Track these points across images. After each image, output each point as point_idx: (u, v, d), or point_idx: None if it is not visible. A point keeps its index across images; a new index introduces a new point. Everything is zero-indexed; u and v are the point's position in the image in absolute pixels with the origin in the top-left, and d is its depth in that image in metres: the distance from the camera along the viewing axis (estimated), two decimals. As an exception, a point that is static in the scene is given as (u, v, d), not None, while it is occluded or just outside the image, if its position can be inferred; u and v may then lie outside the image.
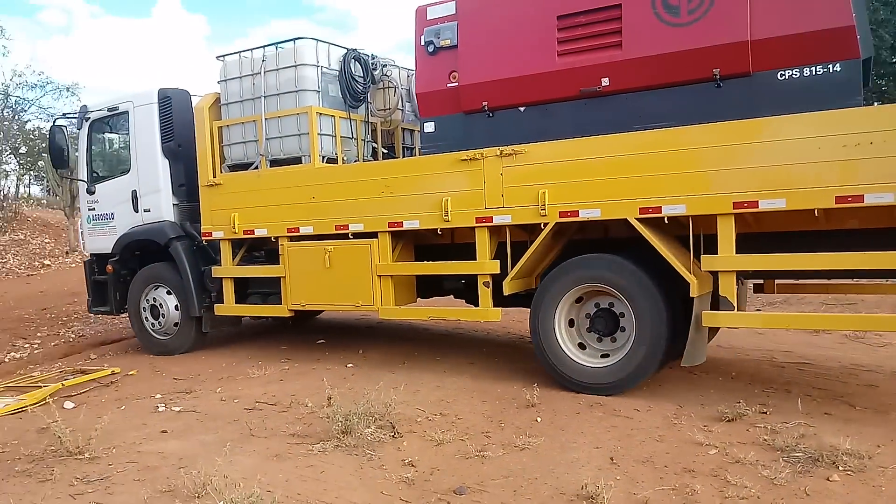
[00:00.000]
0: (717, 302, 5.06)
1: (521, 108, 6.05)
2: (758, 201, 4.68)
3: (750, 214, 4.87)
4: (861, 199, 4.40)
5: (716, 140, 4.83)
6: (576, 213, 5.35)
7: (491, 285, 5.86)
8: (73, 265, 17.32)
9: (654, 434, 4.50)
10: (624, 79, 5.52)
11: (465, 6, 6.19)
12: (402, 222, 6.18)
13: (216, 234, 7.35)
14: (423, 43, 6.37)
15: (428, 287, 7.02)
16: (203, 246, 7.63)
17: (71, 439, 4.60)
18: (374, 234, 6.37)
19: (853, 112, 4.53)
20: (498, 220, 5.70)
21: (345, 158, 6.96)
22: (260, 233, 7.04)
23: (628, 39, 5.47)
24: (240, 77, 7.15)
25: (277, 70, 6.89)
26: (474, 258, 5.92)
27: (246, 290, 7.54)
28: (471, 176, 5.79)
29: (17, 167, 25.83)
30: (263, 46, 7.03)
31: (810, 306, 8.83)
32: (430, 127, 6.51)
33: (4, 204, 21.29)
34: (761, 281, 6.33)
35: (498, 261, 5.81)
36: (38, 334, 9.98)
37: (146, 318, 8.04)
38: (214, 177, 7.32)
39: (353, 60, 6.96)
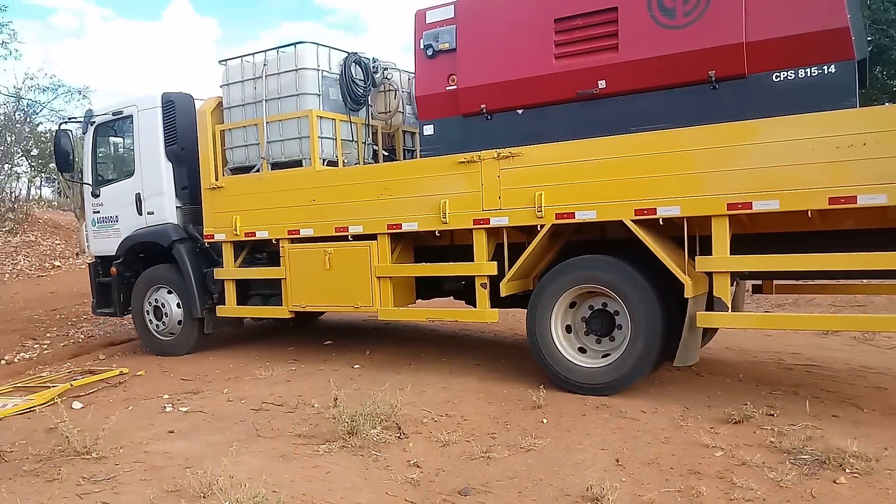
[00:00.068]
0: (712, 302, 5.07)
1: (519, 111, 6.10)
2: (752, 202, 4.70)
3: (745, 215, 4.89)
4: (854, 200, 4.41)
5: (710, 142, 4.85)
6: (572, 215, 5.38)
7: (488, 287, 5.90)
8: (84, 266, 17.37)
9: (661, 436, 4.49)
10: (620, 81, 5.55)
11: (464, 10, 6.24)
12: (400, 224, 6.23)
13: (218, 237, 7.42)
14: (422, 46, 6.44)
15: (428, 288, 7.06)
16: (205, 248, 7.69)
17: (78, 439, 4.64)
18: (373, 236, 6.42)
19: (845, 114, 4.54)
20: (495, 221, 5.73)
21: (345, 161, 7.02)
22: (261, 235, 7.10)
23: (624, 42, 5.50)
24: (242, 81, 7.22)
25: (279, 74, 6.96)
26: (473, 260, 5.95)
27: (247, 291, 7.60)
28: (468, 178, 5.83)
29: (29, 169, 26.12)
30: (265, 51, 7.10)
31: (819, 308, 8.83)
32: (429, 129, 6.57)
33: (16, 205, 21.49)
34: (760, 282, 6.34)
35: (495, 262, 5.85)
36: (48, 335, 10.07)
37: (149, 319, 8.12)
38: (217, 180, 7.39)
39: (353, 64, 7.02)
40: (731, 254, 4.87)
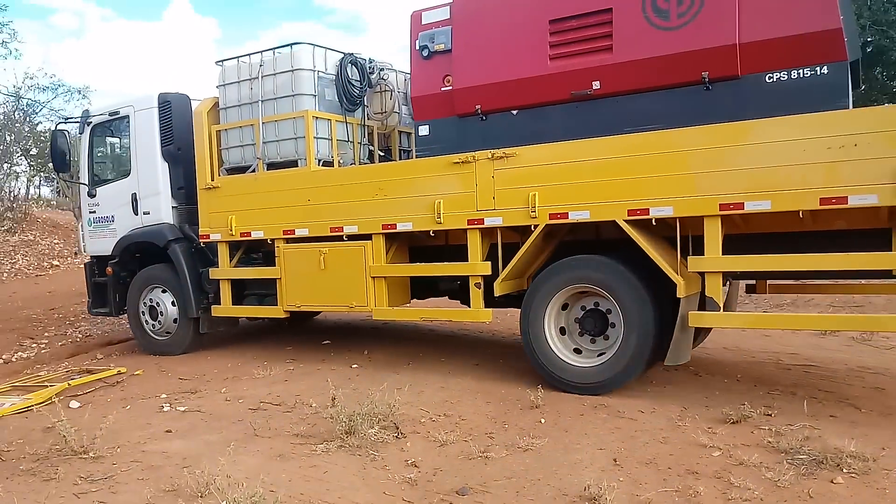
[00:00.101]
0: (705, 302, 5.08)
1: (514, 112, 6.12)
2: (744, 203, 4.72)
3: (737, 216, 4.91)
4: (845, 200, 4.43)
5: (702, 142, 4.87)
6: (565, 215, 5.39)
7: (482, 286, 5.91)
8: (82, 266, 17.36)
9: (658, 436, 4.50)
10: (614, 82, 5.57)
11: (459, 11, 6.26)
12: (395, 224, 6.24)
13: (214, 237, 7.43)
14: (417, 47, 6.46)
15: (424, 288, 7.07)
16: (201, 248, 7.69)
17: (76, 438, 4.64)
18: (368, 237, 6.43)
19: (837, 115, 4.57)
20: (489, 222, 5.75)
21: (341, 161, 7.03)
22: (256, 235, 7.11)
23: (619, 43, 5.52)
24: (238, 82, 7.23)
25: (275, 75, 6.97)
26: (467, 260, 5.96)
27: (243, 291, 7.61)
28: (463, 179, 5.84)
29: (28, 168, 26.08)
30: (261, 51, 7.12)
31: (818, 308, 8.83)
32: (424, 130, 6.59)
33: (15, 205, 21.43)
34: (754, 282, 6.36)
35: (489, 262, 5.87)
36: (46, 334, 10.05)
37: (145, 319, 8.12)
38: (212, 180, 7.40)
39: (349, 65, 7.04)
40: (723, 254, 4.89)
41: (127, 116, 8.09)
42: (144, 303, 8.11)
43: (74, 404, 6.02)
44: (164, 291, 7.98)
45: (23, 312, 11.77)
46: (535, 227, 5.54)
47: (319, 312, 9.31)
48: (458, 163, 5.84)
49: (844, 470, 3.77)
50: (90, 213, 8.51)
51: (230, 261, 7.48)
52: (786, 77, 5.02)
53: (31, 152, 24.32)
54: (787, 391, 5.38)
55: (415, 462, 4.22)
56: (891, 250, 4.71)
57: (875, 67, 16.60)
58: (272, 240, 7.05)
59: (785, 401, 5.10)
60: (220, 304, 7.54)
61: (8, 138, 22.04)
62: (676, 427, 4.64)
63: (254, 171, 7.20)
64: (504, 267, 5.76)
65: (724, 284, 5.18)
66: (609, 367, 5.33)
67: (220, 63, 7.44)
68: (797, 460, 3.93)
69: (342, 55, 7.09)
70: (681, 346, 5.08)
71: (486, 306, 5.98)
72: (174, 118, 7.83)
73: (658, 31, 5.34)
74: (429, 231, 6.12)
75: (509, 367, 6.43)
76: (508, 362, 6.62)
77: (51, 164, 8.84)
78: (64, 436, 4.65)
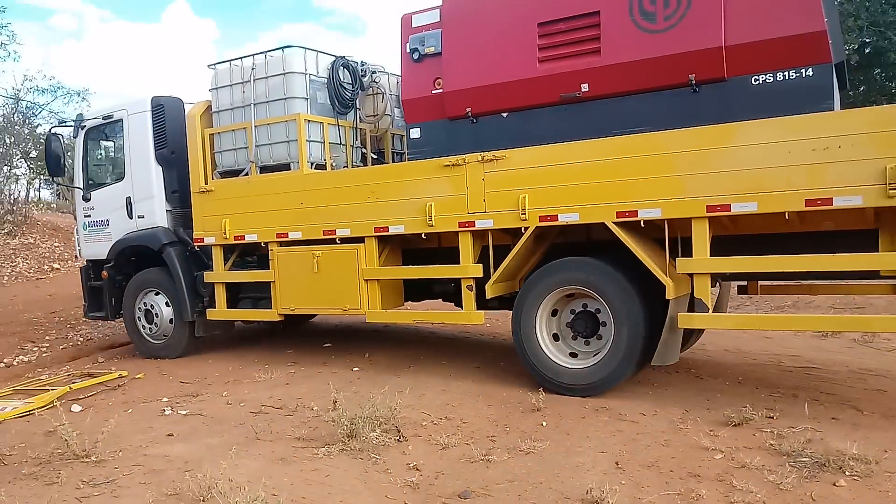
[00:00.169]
0: (694, 303, 5.12)
1: (504, 114, 6.15)
2: (730, 205, 4.75)
3: (726, 217, 4.94)
4: (830, 201, 4.46)
5: (689, 145, 4.90)
6: (555, 218, 5.43)
7: (474, 289, 5.95)
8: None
9: (660, 438, 4.49)
10: (603, 84, 5.61)
11: (449, 14, 6.29)
12: (387, 227, 6.28)
13: (208, 240, 7.46)
14: (408, 50, 6.49)
15: (418, 291, 7.10)
16: (196, 251, 7.73)
17: (78, 442, 4.64)
18: (360, 239, 6.46)
19: (821, 117, 4.61)
20: (480, 224, 5.78)
21: (334, 164, 7.06)
22: (250, 238, 7.14)
23: (607, 46, 5.56)
24: (230, 85, 7.26)
25: (266, 78, 7.00)
26: (459, 262, 6.00)
27: (238, 294, 7.64)
28: (453, 181, 5.87)
29: (28, 171, 26.07)
30: (253, 55, 7.15)
31: (819, 310, 8.81)
32: (415, 133, 6.62)
33: (15, 208, 21.37)
34: (745, 283, 6.39)
35: (481, 265, 5.90)
36: (47, 337, 10.07)
37: (141, 322, 8.16)
38: (206, 183, 7.43)
39: (341, 68, 7.07)
40: (712, 255, 4.93)
41: (121, 120, 8.12)
42: (140, 307, 8.14)
43: (76, 408, 6.03)
44: (159, 295, 8.01)
45: (24, 316, 11.78)
46: (526, 229, 5.57)
47: (314, 315, 9.36)
48: (448, 165, 5.88)
49: (847, 472, 3.77)
50: (85, 217, 8.54)
51: (224, 264, 7.51)
52: (771, 79, 5.06)
53: (30, 155, 24.31)
54: (788, 393, 5.36)
55: (416, 465, 4.23)
56: (878, 251, 4.76)
57: (873, 68, 16.60)
58: (266, 243, 7.07)
59: (787, 403, 5.09)
60: (215, 307, 7.58)
61: (7, 141, 22.04)
62: (678, 430, 4.64)
63: (247, 174, 7.23)
64: (495, 269, 5.79)
65: (713, 286, 5.23)
66: (599, 369, 5.37)
67: (213, 67, 7.47)
68: (799, 463, 3.93)
69: (334, 58, 7.12)
70: (669, 346, 5.12)
71: (478, 308, 6.02)
72: (167, 122, 7.86)
73: (645, 33, 5.38)
74: (421, 234, 6.16)
75: (510, 369, 6.42)
76: (509, 365, 6.62)
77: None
78: (66, 440, 4.65)
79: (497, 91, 6.05)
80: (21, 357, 8.94)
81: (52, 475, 4.34)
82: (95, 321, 10.16)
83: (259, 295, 7.35)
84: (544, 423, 4.88)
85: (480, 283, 5.91)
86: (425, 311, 7.09)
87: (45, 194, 31.94)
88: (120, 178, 8.21)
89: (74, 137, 8.61)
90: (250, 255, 7.77)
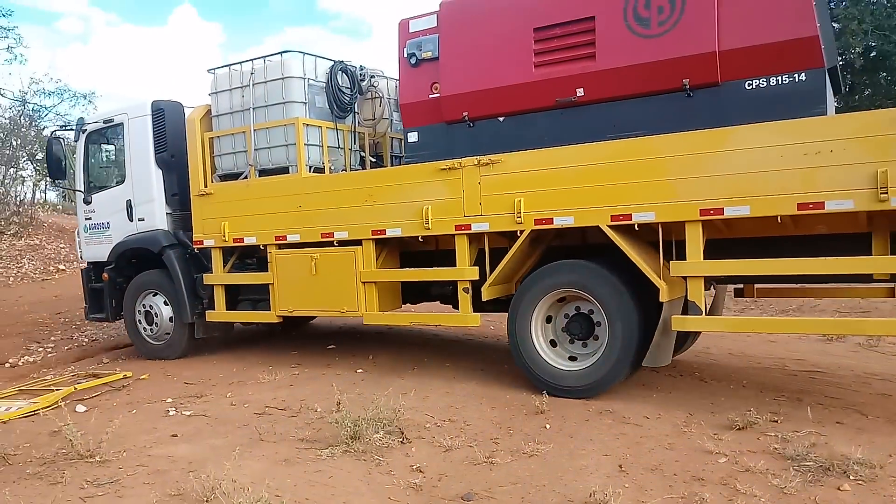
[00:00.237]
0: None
1: (501, 118, 6.20)
2: (723, 208, 4.79)
3: (720, 221, 4.98)
4: (822, 205, 4.50)
5: (682, 149, 4.94)
6: (550, 221, 5.47)
7: (471, 291, 5.99)
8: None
9: (664, 442, 4.49)
10: (598, 89, 5.65)
11: (446, 19, 6.34)
12: (384, 230, 6.32)
13: (207, 243, 7.51)
14: (405, 55, 6.54)
15: (417, 293, 7.15)
16: (195, 254, 7.77)
17: (82, 442, 4.66)
18: (358, 242, 6.51)
19: (813, 121, 4.64)
20: (476, 227, 5.82)
21: (332, 168, 7.11)
22: (249, 241, 7.19)
23: (602, 51, 5.60)
24: (230, 89, 7.32)
25: (265, 82, 7.05)
26: (456, 265, 6.04)
27: (237, 296, 7.69)
28: (450, 185, 5.92)
29: (34, 173, 26.18)
30: (252, 59, 7.20)
31: (825, 313, 8.81)
32: (413, 137, 6.67)
33: (21, 209, 21.48)
34: (741, 286, 6.41)
35: (477, 267, 5.94)
36: (52, 338, 10.13)
37: (141, 324, 8.21)
38: (206, 186, 7.49)
39: (339, 72, 7.12)
40: (706, 258, 4.96)
41: (121, 124, 8.18)
42: (141, 307, 8.20)
43: (80, 408, 6.06)
44: (158, 296, 8.07)
45: (29, 316, 11.85)
46: (521, 232, 5.62)
47: (314, 318, 9.40)
48: (445, 169, 5.92)
49: (851, 477, 3.76)
50: (86, 219, 8.60)
51: (224, 266, 7.57)
52: (765, 84, 5.10)
53: (36, 157, 24.39)
54: (793, 397, 5.35)
55: (420, 467, 4.24)
56: (871, 255, 4.79)
57: (879, 72, 16.62)
58: (264, 245, 7.12)
59: (791, 407, 5.08)
60: (214, 309, 7.63)
61: (14, 143, 22.14)
62: (682, 433, 4.64)
63: (246, 177, 7.29)
64: (492, 272, 5.83)
65: (708, 289, 5.26)
66: (594, 371, 5.40)
67: (213, 71, 7.53)
68: (804, 467, 3.92)
69: (332, 63, 7.18)
70: (661, 348, 5.15)
71: (475, 311, 6.05)
72: (168, 125, 7.92)
73: (639, 38, 5.42)
74: (418, 237, 6.20)
75: (514, 372, 6.38)
76: (513, 368, 6.54)
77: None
78: (70, 440, 4.68)
79: (493, 95, 6.09)
80: (26, 357, 9.01)
81: (57, 475, 4.36)
82: (99, 322, 10.23)
83: (258, 297, 7.39)
84: (548, 426, 4.88)
85: (477, 286, 5.95)
86: (422, 313, 7.11)
87: (51, 196, 32.06)
88: (120, 181, 8.27)
89: (76, 141, 8.67)
90: (249, 257, 7.82)
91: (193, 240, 7.64)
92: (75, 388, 6.68)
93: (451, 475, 4.13)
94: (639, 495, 3.73)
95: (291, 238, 6.90)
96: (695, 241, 4.93)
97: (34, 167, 25.57)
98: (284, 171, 7.04)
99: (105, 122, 8.40)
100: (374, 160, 7.65)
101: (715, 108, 5.25)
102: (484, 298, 5.88)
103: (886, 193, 4.29)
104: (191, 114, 7.72)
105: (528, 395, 5.52)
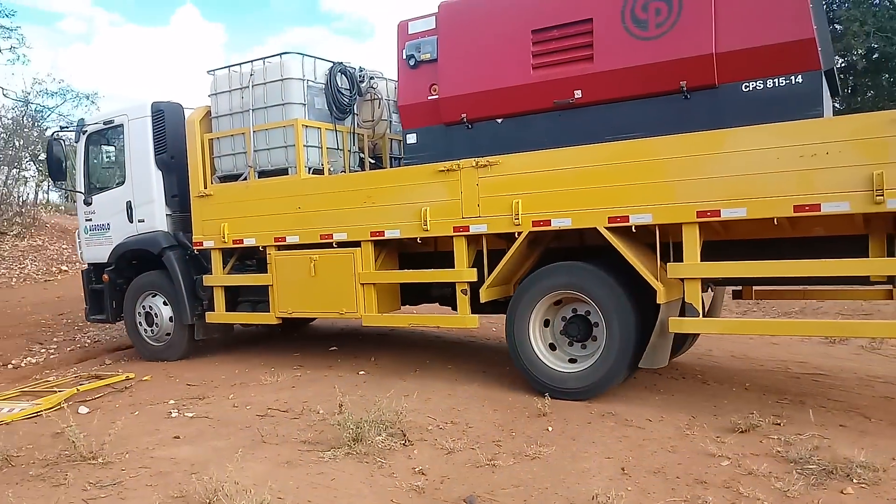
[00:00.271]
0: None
1: (499, 120, 6.21)
2: (720, 210, 4.80)
3: (718, 223, 4.99)
4: (818, 207, 4.50)
5: (679, 151, 4.95)
6: (548, 223, 5.48)
7: (469, 293, 6.00)
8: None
9: (667, 444, 4.48)
10: (596, 91, 5.67)
11: (445, 21, 6.36)
12: (383, 231, 6.34)
13: (207, 244, 7.53)
14: (404, 56, 6.56)
15: (417, 294, 7.16)
16: (195, 255, 7.79)
17: (85, 444, 4.67)
18: (357, 244, 6.52)
19: (809, 123, 4.64)
20: (474, 229, 5.84)
21: (331, 169, 7.13)
22: (248, 242, 7.21)
23: (599, 53, 5.61)
24: (229, 91, 7.33)
25: (265, 84, 7.07)
26: (454, 266, 6.05)
27: (236, 297, 7.71)
28: (448, 186, 5.93)
29: (37, 173, 26.22)
30: (251, 61, 7.22)
31: (828, 316, 8.80)
32: (412, 138, 6.69)
33: (23, 210, 21.50)
34: (740, 287, 6.42)
35: (475, 269, 5.95)
36: (55, 339, 10.16)
37: (142, 326, 8.23)
38: (205, 188, 7.51)
39: (338, 74, 7.14)
40: (703, 260, 4.97)
41: (121, 125, 8.20)
42: (141, 308, 8.22)
43: (83, 410, 6.07)
44: (159, 298, 8.09)
45: (32, 317, 11.87)
46: (519, 234, 5.63)
47: (313, 319, 9.42)
48: (443, 171, 5.94)
49: (854, 480, 3.75)
50: (86, 220, 8.63)
51: (223, 268, 7.58)
52: (762, 86, 5.11)
53: (39, 157, 24.43)
54: (796, 400, 5.34)
55: (422, 470, 4.24)
56: (868, 257, 4.80)
57: (881, 74, 16.62)
58: (264, 247, 7.14)
59: (794, 410, 5.07)
60: (214, 310, 7.65)
61: (17, 143, 22.18)
62: (685, 436, 4.63)
63: (245, 179, 7.30)
64: (490, 273, 5.85)
65: (705, 290, 5.26)
66: (591, 373, 5.41)
67: (212, 72, 7.54)
68: (807, 470, 3.91)
69: (332, 64, 7.19)
70: (658, 350, 5.16)
71: (473, 312, 6.07)
72: (167, 127, 7.94)
73: (637, 40, 5.43)
74: (416, 238, 6.21)
75: (516, 374, 6.35)
76: (515, 370, 6.50)
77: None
78: (73, 441, 4.69)
79: (492, 97, 6.11)
80: (29, 358, 9.04)
81: (60, 476, 4.37)
82: (100, 323, 10.26)
83: (257, 298, 7.41)
84: (550, 429, 4.88)
85: (475, 288, 5.96)
86: (421, 315, 7.12)
87: (54, 197, 32.13)
88: (121, 182, 8.29)
89: (76, 142, 8.70)
90: (249, 258, 7.84)
91: (193, 241, 7.66)
92: (78, 390, 6.70)
93: (454, 477, 4.13)
94: (641, 498, 3.72)
95: (290, 239, 6.91)
96: (692, 242, 4.94)
97: (37, 168, 25.60)
98: (284, 172, 7.05)
99: (105, 123, 8.43)
100: (373, 161, 7.66)
101: (712, 110, 5.26)
102: (482, 300, 5.89)
103: (882, 195, 4.30)
104: (190, 115, 7.74)
105: (530, 398, 5.51)
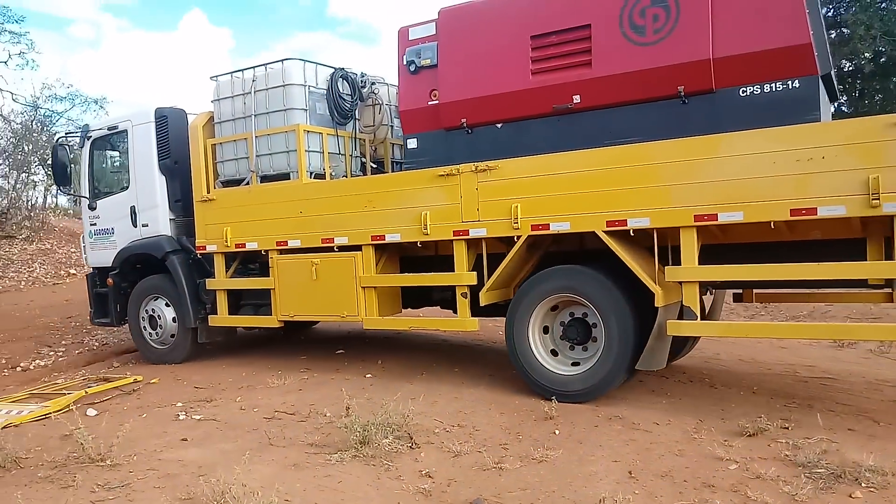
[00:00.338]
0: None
1: (499, 125, 6.25)
2: (717, 214, 4.83)
3: (715, 226, 5.01)
4: (814, 211, 4.53)
5: (677, 155, 4.98)
6: (546, 227, 5.51)
7: (469, 296, 6.04)
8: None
9: (674, 448, 4.47)
10: (594, 96, 5.70)
11: (445, 27, 6.41)
12: (384, 235, 6.39)
13: (210, 248, 7.59)
14: (405, 62, 6.61)
15: (418, 297, 7.20)
16: (198, 259, 7.85)
17: (93, 446, 4.71)
18: (358, 247, 6.57)
19: (805, 128, 4.68)
20: (474, 233, 5.88)
21: (333, 174, 7.18)
22: (251, 246, 7.27)
23: (598, 58, 5.65)
24: (231, 96, 7.40)
25: (267, 90, 7.13)
26: (454, 270, 6.08)
27: (239, 301, 7.76)
28: (448, 191, 5.98)
29: (45, 178, 26.37)
30: (253, 67, 7.29)
31: (835, 319, 8.79)
32: (412, 143, 6.74)
33: (32, 213, 21.62)
34: (741, 291, 6.44)
35: (475, 272, 5.99)
36: (63, 342, 10.22)
37: (146, 329, 8.30)
38: (208, 192, 7.57)
39: (340, 79, 7.19)
40: (701, 263, 4.99)
41: (125, 131, 8.28)
42: (145, 312, 8.29)
43: (91, 412, 6.11)
44: (164, 303, 8.15)
45: (40, 320, 11.94)
46: (518, 237, 5.67)
47: (316, 322, 9.47)
48: (443, 175, 5.98)
49: (863, 484, 3.73)
50: (91, 225, 8.71)
51: (226, 271, 7.64)
52: (759, 91, 5.14)
53: (48, 162, 24.56)
54: (804, 404, 5.32)
55: (429, 472, 4.25)
56: (866, 260, 4.82)
57: (889, 77, 16.59)
58: (266, 251, 7.20)
59: (802, 413, 5.05)
60: (217, 314, 7.70)
61: (26, 148, 22.33)
62: (692, 439, 4.62)
63: (248, 183, 7.36)
64: (489, 277, 5.88)
65: (704, 294, 5.28)
66: (590, 376, 5.44)
67: (215, 78, 7.61)
68: (815, 474, 3.90)
69: (333, 70, 7.25)
70: (655, 352, 5.18)
71: (473, 315, 6.10)
72: (171, 132, 8.00)
73: (635, 46, 5.47)
74: (416, 242, 6.25)
75: (522, 378, 6.43)
76: None
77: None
78: (81, 443, 4.72)
79: (491, 102, 6.15)
80: (38, 361, 9.11)
81: (68, 478, 4.41)
82: (106, 327, 10.32)
83: (260, 302, 7.46)
84: (557, 432, 4.88)
85: (475, 291, 6.00)
86: (421, 318, 7.17)
87: (62, 200, 32.28)
88: (124, 187, 8.37)
89: (80, 148, 8.78)
90: (252, 262, 7.89)
91: (196, 245, 7.72)
92: (86, 392, 6.75)
93: (460, 480, 4.15)
94: (649, 502, 3.72)
95: (292, 243, 6.97)
96: (690, 246, 4.98)
97: (46, 172, 25.73)
98: (286, 177, 7.12)
99: (109, 128, 8.51)
100: (374, 166, 7.71)
101: (710, 114, 5.29)
102: (482, 303, 5.93)
103: (878, 199, 4.33)
104: (193, 120, 7.80)
105: (536, 401, 5.51)
